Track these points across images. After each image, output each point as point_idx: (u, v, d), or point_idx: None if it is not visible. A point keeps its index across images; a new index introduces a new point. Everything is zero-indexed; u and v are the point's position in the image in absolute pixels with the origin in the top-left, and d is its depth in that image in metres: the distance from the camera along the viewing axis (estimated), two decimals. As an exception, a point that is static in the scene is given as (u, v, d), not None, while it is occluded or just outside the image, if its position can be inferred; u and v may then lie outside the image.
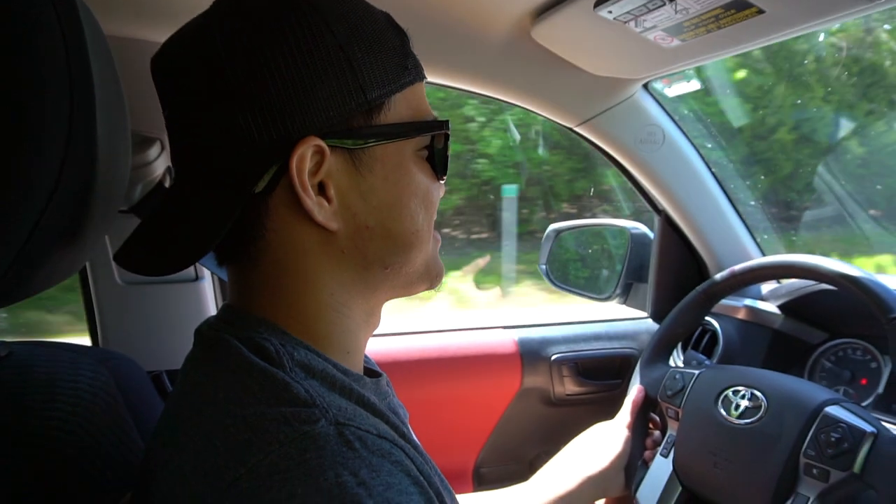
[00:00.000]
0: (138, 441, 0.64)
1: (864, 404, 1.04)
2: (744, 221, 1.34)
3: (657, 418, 1.06)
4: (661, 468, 0.97)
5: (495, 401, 1.36)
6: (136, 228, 0.53)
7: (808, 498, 0.80)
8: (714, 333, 1.27)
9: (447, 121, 0.56)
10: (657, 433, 1.04)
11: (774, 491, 0.82)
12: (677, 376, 1.01)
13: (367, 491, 0.39)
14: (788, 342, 1.18)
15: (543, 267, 1.52)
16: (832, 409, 0.83)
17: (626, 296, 1.48)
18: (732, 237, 1.33)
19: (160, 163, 0.91)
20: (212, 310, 1.08)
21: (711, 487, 0.91)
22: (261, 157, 0.48)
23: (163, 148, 0.92)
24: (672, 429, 1.00)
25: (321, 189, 0.50)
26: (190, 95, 0.49)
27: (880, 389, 1.04)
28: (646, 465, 0.99)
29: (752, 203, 1.68)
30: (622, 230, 1.49)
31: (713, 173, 1.30)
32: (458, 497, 0.57)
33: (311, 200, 0.48)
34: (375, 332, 0.59)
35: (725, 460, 0.89)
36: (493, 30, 0.97)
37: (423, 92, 0.56)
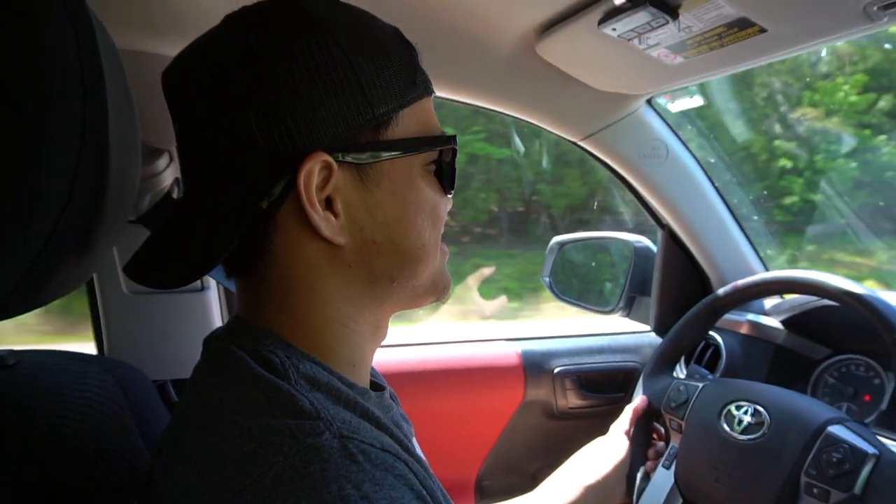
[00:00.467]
0: (144, 450, 0.64)
1: (866, 421, 1.04)
2: (747, 236, 1.35)
3: (661, 429, 1.06)
4: (663, 479, 0.97)
5: (498, 413, 1.36)
6: (145, 241, 0.53)
7: None
8: (717, 348, 1.27)
9: (454, 136, 0.56)
10: (661, 444, 1.04)
11: None
12: (681, 388, 1.01)
13: None
14: (791, 357, 1.18)
15: (547, 279, 1.52)
16: (835, 429, 0.82)
17: (629, 309, 1.48)
18: (736, 252, 1.34)
19: (168, 174, 0.92)
20: (217, 320, 1.09)
21: (711, 501, 0.91)
22: (268, 172, 0.48)
23: (171, 159, 0.93)
24: (675, 441, 1.00)
25: (328, 204, 0.50)
26: (199, 109, 0.50)
27: (883, 406, 1.03)
28: (648, 476, 0.99)
29: (756, 218, 1.68)
30: (626, 243, 1.49)
31: (716, 188, 1.30)
32: None
33: (319, 216, 0.49)
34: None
35: (727, 475, 0.88)
36: (498, 45, 0.98)
37: (431, 107, 0.56)
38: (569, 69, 1.01)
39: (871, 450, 0.78)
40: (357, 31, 0.50)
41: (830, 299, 0.96)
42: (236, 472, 0.41)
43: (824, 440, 0.82)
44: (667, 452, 1.00)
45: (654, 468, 0.99)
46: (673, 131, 1.24)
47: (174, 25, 0.89)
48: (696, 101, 1.15)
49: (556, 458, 1.02)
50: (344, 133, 0.49)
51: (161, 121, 0.98)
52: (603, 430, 1.05)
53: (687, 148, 1.26)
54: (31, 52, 0.39)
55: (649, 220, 1.41)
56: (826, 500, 0.79)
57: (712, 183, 1.30)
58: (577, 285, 1.58)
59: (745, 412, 0.91)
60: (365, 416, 0.48)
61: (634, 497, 0.96)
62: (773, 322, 1.22)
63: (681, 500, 0.95)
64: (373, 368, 0.63)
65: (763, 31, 0.77)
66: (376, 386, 0.60)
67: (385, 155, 0.51)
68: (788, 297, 1.25)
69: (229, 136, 0.48)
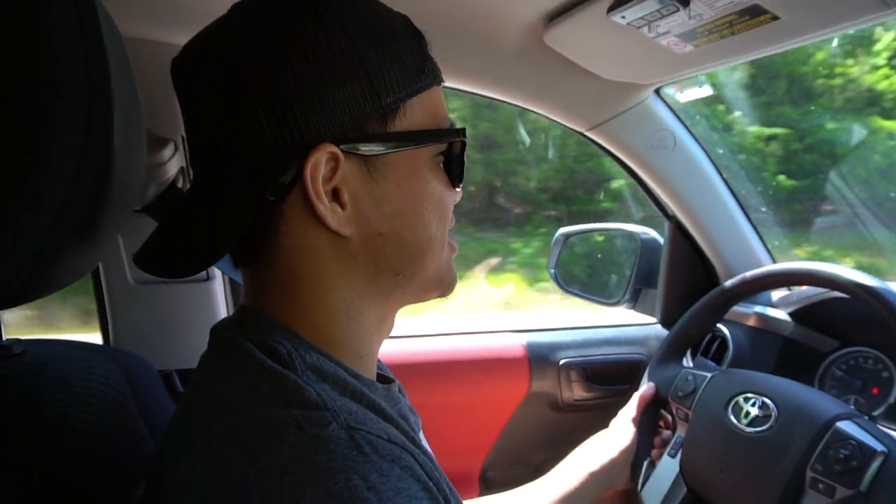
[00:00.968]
0: (149, 439, 0.65)
1: (874, 414, 1.03)
2: (755, 228, 1.34)
3: (668, 417, 1.05)
4: (667, 468, 0.97)
5: (503, 405, 1.36)
6: (154, 230, 0.53)
7: None
8: (724, 340, 1.26)
9: (464, 128, 0.55)
10: (667, 432, 1.04)
11: (778, 503, 0.82)
12: (689, 378, 1.01)
13: (377, 495, 0.39)
14: (799, 350, 1.17)
15: (552, 271, 1.52)
16: (843, 425, 0.82)
17: (635, 301, 1.47)
18: (743, 243, 1.33)
19: (174, 163, 0.92)
20: (222, 310, 1.09)
21: (716, 492, 0.91)
22: (275, 162, 0.48)
23: (176, 149, 0.92)
24: (681, 430, 1.00)
25: (335, 195, 0.49)
26: (206, 100, 0.49)
27: (892, 399, 1.03)
28: (653, 464, 0.99)
29: (764, 209, 1.67)
30: (632, 235, 1.48)
31: (724, 179, 1.29)
32: (466, 503, 0.57)
33: (325, 207, 0.48)
34: None
35: (732, 466, 0.88)
36: (505, 34, 0.97)
37: (440, 96, 0.55)
38: (577, 58, 1.00)
39: (879, 447, 0.78)
40: (364, 19, 0.50)
41: (840, 291, 0.95)
42: (242, 460, 0.41)
43: (832, 436, 0.81)
44: (672, 441, 1.00)
45: (660, 456, 0.99)
46: (681, 121, 1.23)
47: (180, 13, 0.89)
48: (706, 90, 1.14)
49: (560, 450, 1.02)
50: (350, 123, 0.48)
51: (166, 110, 0.98)
52: (608, 422, 1.05)
53: (695, 138, 1.25)
54: (35, 41, 0.39)
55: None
56: (831, 496, 0.78)
57: (720, 174, 1.29)
58: (582, 277, 1.57)
59: (753, 404, 0.90)
60: (371, 408, 0.48)
61: (639, 484, 0.96)
62: (781, 314, 1.21)
63: (685, 489, 0.95)
64: (380, 362, 0.63)
65: (776, 18, 0.76)
66: (384, 379, 0.59)
67: (392, 146, 0.50)
68: (796, 288, 1.24)
69: (235, 126, 0.48)
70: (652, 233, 1.45)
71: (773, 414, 0.88)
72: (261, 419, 0.43)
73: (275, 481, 0.39)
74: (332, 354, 0.50)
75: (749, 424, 0.89)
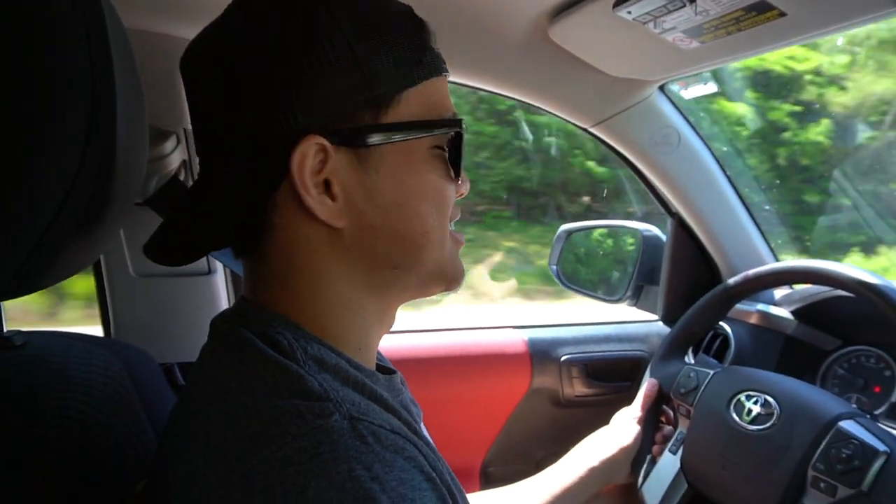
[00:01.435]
0: (150, 432, 0.64)
1: (876, 412, 1.03)
2: (758, 225, 1.33)
3: (670, 413, 1.05)
4: (668, 464, 0.97)
5: (504, 400, 1.36)
6: (162, 221, 0.54)
7: None
8: (726, 338, 1.26)
9: (461, 119, 0.54)
10: (668, 428, 1.04)
11: (780, 501, 0.82)
12: (692, 374, 1.01)
13: (381, 486, 0.39)
14: (801, 348, 1.17)
15: (554, 268, 1.51)
16: (846, 424, 0.82)
17: (637, 298, 1.47)
18: (746, 241, 1.32)
19: (176, 156, 0.92)
20: (224, 303, 1.09)
21: (717, 489, 0.91)
22: (264, 154, 0.48)
23: (178, 141, 0.92)
24: (683, 426, 1.00)
25: (327, 187, 0.49)
26: (204, 95, 0.51)
27: (894, 398, 1.03)
28: (654, 460, 0.99)
29: (767, 207, 1.67)
30: (634, 232, 1.48)
31: (728, 177, 1.29)
32: (467, 496, 0.57)
33: (313, 198, 0.48)
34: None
35: (733, 464, 0.88)
36: (510, 29, 0.96)
37: (442, 87, 0.55)
38: (582, 54, 1.00)
39: (882, 447, 0.78)
40: (359, 9, 0.49)
41: (843, 289, 0.94)
42: (243, 452, 0.41)
43: (834, 435, 0.81)
44: (674, 437, 1.00)
45: (661, 452, 0.99)
46: (685, 119, 1.22)
47: (183, 6, 0.88)
48: (710, 87, 1.13)
49: (561, 446, 1.02)
50: (340, 114, 0.48)
51: (169, 103, 0.98)
52: (609, 419, 1.05)
53: (699, 135, 1.24)
54: (39, 33, 0.39)
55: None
56: (833, 495, 0.78)
57: (724, 171, 1.28)
58: (584, 274, 1.57)
59: (755, 402, 0.90)
60: (373, 399, 0.48)
61: (640, 480, 0.96)
62: (784, 312, 1.21)
63: (685, 486, 0.94)
64: (380, 354, 0.62)
65: (782, 14, 0.75)
66: (385, 370, 0.59)
67: (384, 138, 0.50)
68: (799, 287, 1.24)
69: (230, 118, 0.49)
70: (654, 230, 1.45)
71: (776, 412, 0.87)
72: (263, 410, 0.43)
73: (278, 472, 0.39)
74: (332, 345, 0.50)
75: (751, 422, 0.89)
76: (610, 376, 1.38)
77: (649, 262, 1.44)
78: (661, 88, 1.18)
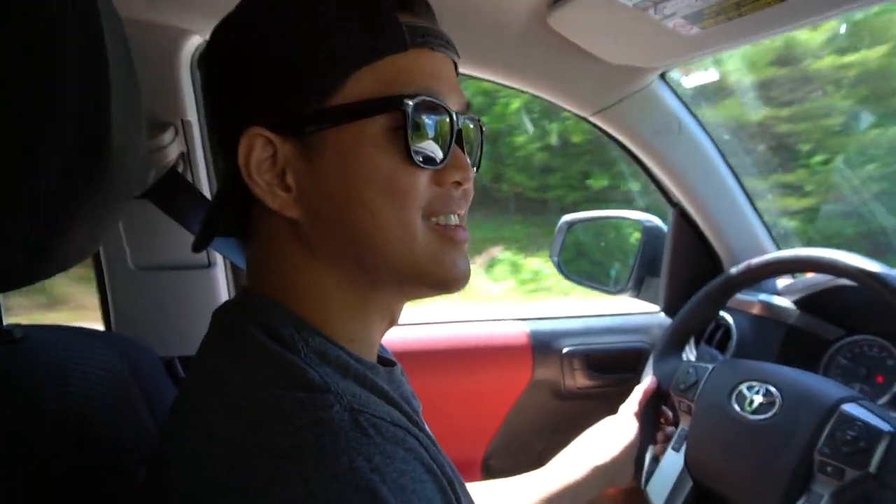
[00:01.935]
0: (151, 425, 0.64)
1: (880, 402, 1.03)
2: (759, 215, 1.33)
3: (669, 413, 1.05)
4: (672, 462, 0.96)
5: (506, 393, 1.36)
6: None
7: (823, 496, 0.79)
8: (728, 328, 1.25)
9: (415, 94, 0.48)
10: (669, 428, 1.03)
11: (787, 487, 0.82)
12: (690, 370, 1.01)
13: (381, 477, 0.39)
14: (803, 338, 1.17)
15: (556, 259, 1.51)
16: (848, 407, 0.81)
17: (639, 289, 1.47)
18: (748, 231, 1.32)
19: (174, 148, 0.91)
20: (224, 296, 1.08)
21: (723, 481, 0.91)
22: (225, 150, 0.52)
23: (177, 133, 0.91)
24: (684, 423, 0.99)
25: (284, 177, 0.50)
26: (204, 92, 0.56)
27: None
28: (657, 459, 0.98)
29: (769, 197, 1.66)
30: (636, 223, 1.47)
31: (729, 165, 1.28)
32: (467, 486, 0.57)
33: (261, 189, 0.49)
34: None
35: (738, 455, 0.88)
36: (508, 17, 0.95)
37: (410, 64, 0.49)
38: (581, 41, 0.99)
39: (886, 427, 0.78)
40: None
41: (846, 278, 0.94)
42: (245, 442, 0.41)
43: (838, 418, 0.81)
44: (676, 435, 0.99)
45: (663, 451, 0.99)
46: (686, 107, 1.21)
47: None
48: (711, 75, 1.12)
49: (563, 438, 1.02)
50: (285, 104, 0.49)
51: (167, 94, 0.97)
52: (611, 410, 1.04)
53: (700, 124, 1.23)
54: (29, 22, 0.39)
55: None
56: (840, 478, 0.78)
57: (725, 160, 1.27)
58: (586, 265, 1.57)
59: (757, 392, 0.90)
60: (374, 391, 0.48)
61: (643, 480, 0.96)
62: (786, 302, 1.20)
63: (691, 483, 0.94)
64: (383, 346, 0.62)
65: (783, -1, 0.74)
66: (386, 361, 0.59)
67: (326, 124, 0.48)
68: (801, 276, 1.23)
69: (209, 116, 0.56)
70: (656, 220, 1.45)
71: (777, 400, 0.87)
72: (265, 401, 0.43)
73: (280, 463, 0.39)
74: (333, 338, 0.50)
75: (753, 412, 0.88)
76: (612, 368, 1.38)
77: (651, 252, 1.43)
78: (662, 77, 1.17)
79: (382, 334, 0.57)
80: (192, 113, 0.96)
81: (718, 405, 0.93)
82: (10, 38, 0.38)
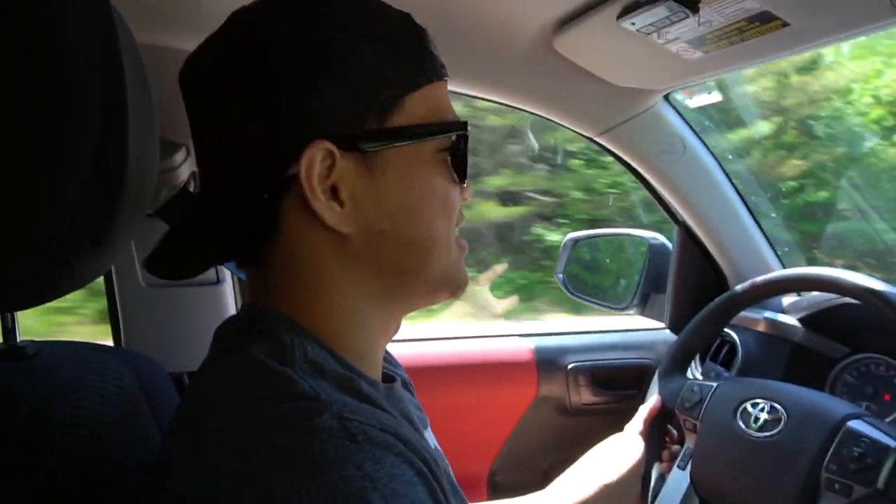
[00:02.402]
0: (159, 440, 0.65)
1: (888, 420, 1.02)
2: (764, 233, 1.33)
3: (674, 432, 1.05)
4: (678, 481, 0.96)
5: (511, 409, 1.36)
6: (163, 235, 0.55)
7: None
8: (733, 345, 1.25)
9: (465, 122, 0.55)
10: (675, 446, 1.03)
11: None
12: (695, 388, 1.00)
13: (372, 483, 0.39)
14: (809, 356, 1.17)
15: (560, 276, 1.51)
16: (855, 424, 0.81)
17: (644, 306, 1.47)
18: (752, 249, 1.32)
19: (185, 168, 0.93)
20: (232, 312, 1.09)
21: (729, 500, 0.90)
22: (270, 162, 0.49)
23: (188, 153, 0.93)
24: (689, 441, 0.99)
25: (334, 193, 0.50)
26: (206, 106, 0.51)
27: None
28: (663, 477, 0.98)
29: (773, 215, 1.66)
30: (641, 240, 1.48)
31: (734, 184, 1.29)
32: None
33: (322, 204, 0.49)
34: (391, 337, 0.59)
35: (744, 473, 0.88)
36: (515, 40, 0.97)
37: (443, 92, 0.55)
38: (586, 64, 1.01)
39: (893, 444, 0.77)
40: (359, 15, 0.50)
41: (851, 297, 0.94)
42: (239, 459, 0.41)
43: (844, 435, 0.81)
44: (681, 453, 0.99)
45: (669, 469, 0.99)
46: (690, 127, 1.23)
47: (192, 20, 0.90)
48: (715, 96, 1.13)
49: (568, 455, 1.02)
50: (346, 120, 0.49)
51: (178, 115, 0.98)
52: (616, 427, 1.04)
53: (704, 144, 1.25)
54: (52, 48, 0.40)
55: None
56: (848, 495, 0.78)
57: (729, 179, 1.28)
58: (591, 282, 1.57)
59: (762, 410, 0.90)
60: (367, 402, 0.48)
61: (649, 498, 0.95)
62: (791, 320, 1.20)
63: (697, 501, 0.94)
64: (389, 355, 0.63)
65: (785, 24, 0.76)
66: (386, 377, 0.59)
67: (390, 142, 0.50)
68: (806, 294, 1.23)
69: (232, 129, 0.49)
70: (661, 238, 1.45)
71: (783, 418, 0.87)
72: (258, 417, 0.43)
73: (273, 478, 0.39)
74: (334, 351, 0.50)
75: (759, 430, 0.88)
76: (617, 384, 1.38)
77: (655, 269, 1.43)
78: (666, 98, 1.18)
79: (384, 348, 0.58)
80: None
81: (723, 423, 0.93)
82: (30, 64, 0.39)
